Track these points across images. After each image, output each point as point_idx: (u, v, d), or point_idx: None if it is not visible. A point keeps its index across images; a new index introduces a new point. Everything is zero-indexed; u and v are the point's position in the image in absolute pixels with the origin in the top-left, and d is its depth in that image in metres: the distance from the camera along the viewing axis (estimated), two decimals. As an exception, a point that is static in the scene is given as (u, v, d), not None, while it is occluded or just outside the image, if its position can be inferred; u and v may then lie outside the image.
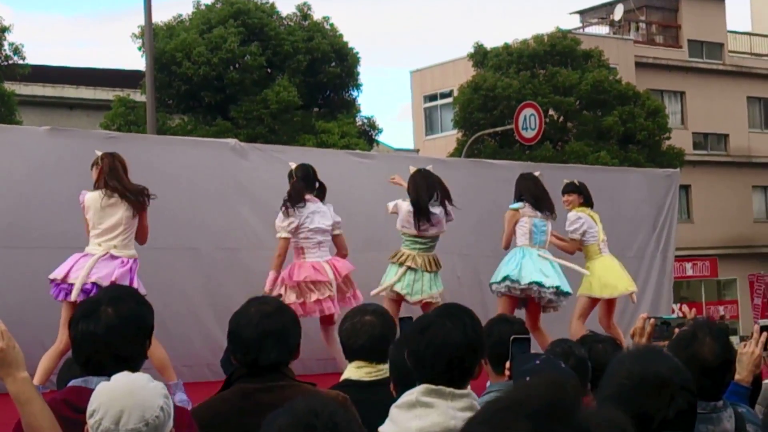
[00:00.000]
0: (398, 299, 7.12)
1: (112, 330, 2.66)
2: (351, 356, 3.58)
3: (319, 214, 6.83)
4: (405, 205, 7.17)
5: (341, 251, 7.01)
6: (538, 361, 2.92)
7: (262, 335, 2.90)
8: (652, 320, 3.36)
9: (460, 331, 2.61)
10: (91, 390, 2.54)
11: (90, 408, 2.29)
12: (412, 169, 7.39)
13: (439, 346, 2.58)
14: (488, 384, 3.63)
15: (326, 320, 6.81)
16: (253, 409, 2.79)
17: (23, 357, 2.55)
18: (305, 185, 6.88)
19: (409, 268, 7.06)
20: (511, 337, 3.39)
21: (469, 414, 2.42)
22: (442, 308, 2.78)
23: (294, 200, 6.78)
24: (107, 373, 2.56)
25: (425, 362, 2.58)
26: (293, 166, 7.06)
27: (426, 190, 7.10)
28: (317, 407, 1.94)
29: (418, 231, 7.10)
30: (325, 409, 1.94)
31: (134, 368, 2.59)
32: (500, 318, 3.76)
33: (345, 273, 6.85)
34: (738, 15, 64.46)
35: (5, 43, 19.41)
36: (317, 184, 6.99)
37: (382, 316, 3.63)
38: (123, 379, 2.35)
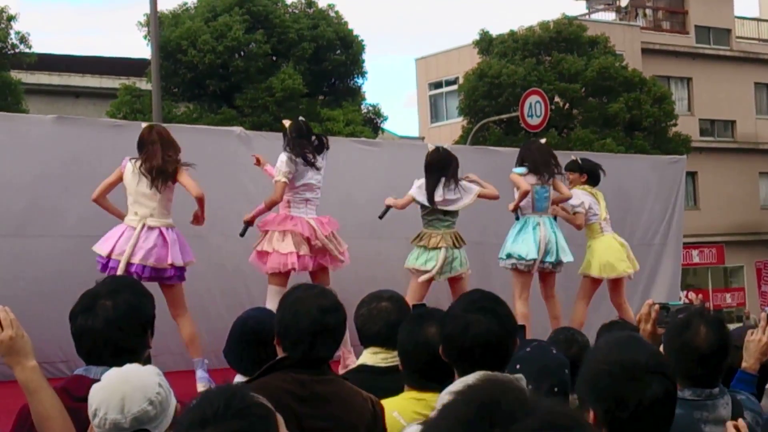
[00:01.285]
0: (430, 279, 7.10)
1: (110, 324, 2.66)
2: (366, 342, 3.59)
3: (311, 170, 6.67)
4: (416, 183, 7.16)
5: None
6: (528, 349, 2.93)
7: (319, 330, 2.87)
8: (657, 306, 3.37)
9: (497, 321, 2.68)
10: (91, 379, 2.56)
11: (91, 409, 2.27)
12: (431, 147, 7.37)
13: (483, 342, 2.66)
14: None
15: (318, 280, 6.68)
16: (309, 398, 2.81)
17: (32, 346, 2.57)
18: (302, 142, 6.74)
19: (445, 248, 7.04)
20: None
21: None
22: (470, 301, 2.80)
23: (295, 151, 6.61)
24: (109, 364, 2.57)
25: (473, 359, 2.64)
26: (287, 123, 6.90)
27: (439, 167, 7.11)
28: (229, 394, 1.87)
29: (433, 204, 7.04)
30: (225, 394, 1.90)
31: (136, 359, 2.60)
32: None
33: (331, 230, 6.69)
34: (745, 0, 64.10)
35: (11, 32, 19.43)
36: (313, 138, 6.81)
37: (398, 303, 3.63)
38: (114, 372, 2.35)
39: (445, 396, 2.55)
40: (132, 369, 2.34)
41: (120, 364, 2.48)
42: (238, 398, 1.74)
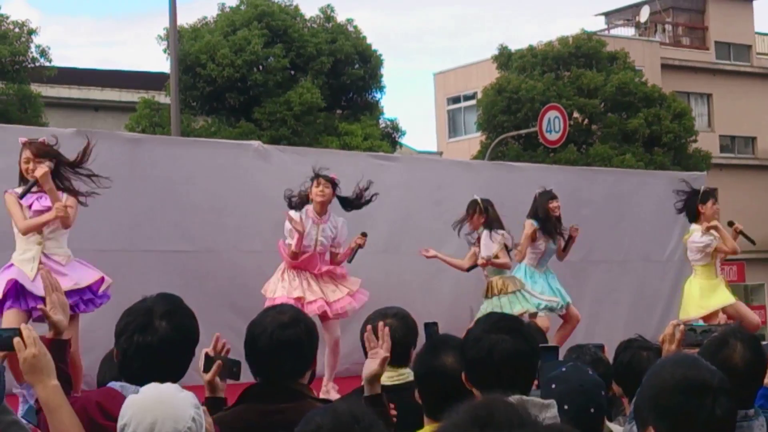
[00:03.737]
0: None
1: (167, 343, 2.66)
2: None
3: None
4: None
5: None
6: (564, 369, 2.87)
7: (277, 346, 2.88)
8: (682, 326, 3.31)
9: (523, 340, 2.66)
10: (126, 397, 2.55)
11: (120, 422, 2.28)
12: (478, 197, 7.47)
13: (511, 363, 2.62)
14: None
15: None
16: (267, 427, 2.78)
17: (53, 365, 2.59)
18: None
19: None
20: (539, 346, 3.35)
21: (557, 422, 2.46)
22: (491, 322, 2.75)
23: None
24: (148, 382, 2.57)
25: (500, 380, 2.60)
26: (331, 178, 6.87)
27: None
28: (358, 413, 1.94)
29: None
30: (365, 416, 1.94)
31: (176, 379, 2.64)
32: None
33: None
34: (766, 16, 63.77)
35: (32, 46, 19.58)
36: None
37: (404, 320, 3.60)
38: (152, 390, 2.35)
39: None
40: (169, 393, 2.33)
41: (164, 382, 2.53)
42: (366, 419, 1.88)
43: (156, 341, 2.65)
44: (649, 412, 2.18)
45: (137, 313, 2.72)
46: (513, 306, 7.11)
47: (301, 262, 6.60)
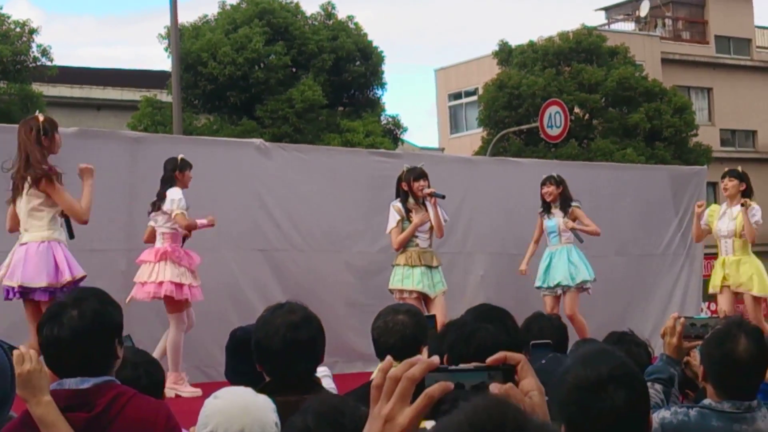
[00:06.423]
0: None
1: (76, 333, 2.60)
2: (382, 355, 3.55)
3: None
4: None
5: None
6: (543, 361, 2.89)
7: (290, 347, 2.86)
8: (682, 319, 3.34)
9: (504, 333, 2.64)
10: (68, 390, 2.58)
11: (206, 428, 2.30)
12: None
13: (488, 352, 2.59)
14: None
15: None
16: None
17: (48, 382, 2.58)
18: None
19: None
20: (531, 343, 3.38)
21: None
22: (478, 312, 2.75)
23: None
24: (79, 374, 2.57)
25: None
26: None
27: None
28: (340, 405, 1.94)
29: None
30: (347, 407, 1.94)
31: (105, 368, 2.60)
32: (538, 314, 3.79)
33: None
34: (766, 10, 63.71)
35: (33, 45, 19.63)
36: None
37: (415, 316, 3.60)
38: (232, 396, 2.36)
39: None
40: (251, 399, 2.35)
41: (90, 374, 2.53)
42: (350, 410, 1.88)
43: (65, 331, 2.59)
44: (555, 408, 2.20)
45: (53, 305, 2.69)
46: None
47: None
